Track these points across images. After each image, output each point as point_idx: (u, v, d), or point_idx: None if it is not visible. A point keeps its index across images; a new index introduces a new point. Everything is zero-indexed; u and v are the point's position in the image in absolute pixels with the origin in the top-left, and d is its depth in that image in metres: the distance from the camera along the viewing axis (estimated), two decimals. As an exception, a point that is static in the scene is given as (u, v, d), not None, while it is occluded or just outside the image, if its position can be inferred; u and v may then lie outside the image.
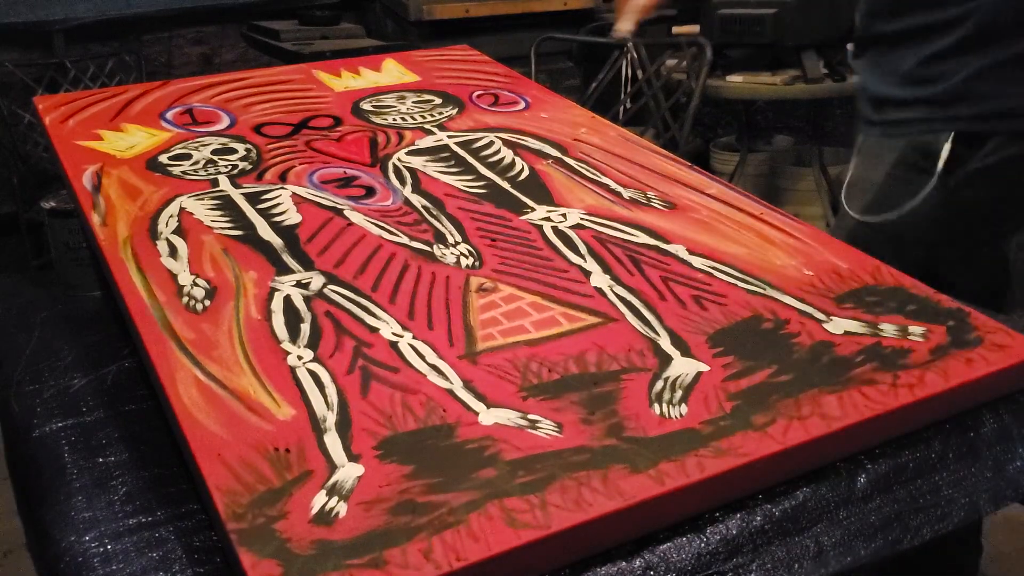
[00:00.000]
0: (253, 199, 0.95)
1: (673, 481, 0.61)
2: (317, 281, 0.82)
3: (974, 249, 1.22)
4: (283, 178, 1.00)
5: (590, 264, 0.85)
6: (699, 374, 0.71)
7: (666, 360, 0.72)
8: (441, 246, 0.88)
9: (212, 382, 0.69)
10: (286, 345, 0.74)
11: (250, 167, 1.03)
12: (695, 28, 2.87)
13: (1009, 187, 1.15)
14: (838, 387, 0.69)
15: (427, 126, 1.15)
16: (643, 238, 0.90)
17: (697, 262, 0.86)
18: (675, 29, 3.12)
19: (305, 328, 0.76)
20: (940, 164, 1.11)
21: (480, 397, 0.68)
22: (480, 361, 0.72)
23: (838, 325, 0.77)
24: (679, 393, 0.69)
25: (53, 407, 0.84)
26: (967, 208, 1.15)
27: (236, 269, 0.83)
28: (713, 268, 0.85)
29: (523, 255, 0.87)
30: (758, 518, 0.64)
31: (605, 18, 3.31)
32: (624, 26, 1.26)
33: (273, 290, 0.80)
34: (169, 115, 1.16)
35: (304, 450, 0.63)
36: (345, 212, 0.93)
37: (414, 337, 0.75)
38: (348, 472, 0.61)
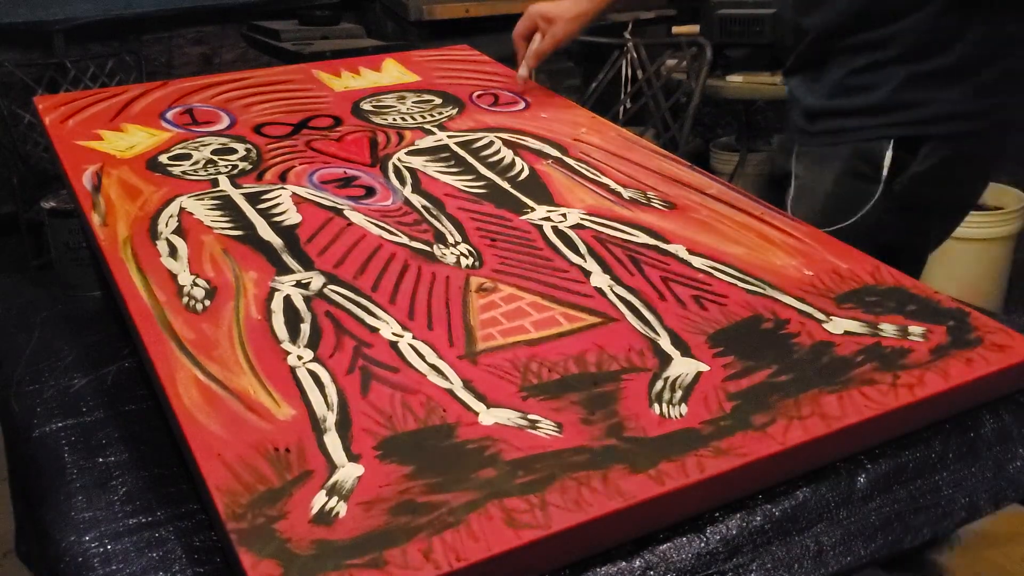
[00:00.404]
0: (253, 199, 0.95)
1: (673, 481, 0.61)
2: (317, 281, 0.82)
3: (921, 245, 1.29)
4: (283, 178, 1.00)
5: (590, 264, 0.85)
6: (699, 374, 0.71)
7: (666, 360, 0.72)
8: (441, 246, 0.88)
9: (212, 382, 0.69)
10: (286, 345, 0.74)
11: (250, 167, 1.03)
12: (695, 28, 2.87)
13: (947, 186, 1.21)
14: (838, 387, 0.69)
15: (427, 126, 1.15)
16: (643, 238, 0.90)
17: (697, 262, 0.86)
18: (675, 29, 3.12)
19: (305, 328, 0.76)
20: (884, 171, 1.18)
21: (480, 397, 0.68)
22: (480, 361, 0.72)
23: (838, 325, 0.77)
24: (679, 393, 0.68)
25: (53, 407, 0.84)
26: (913, 208, 1.21)
27: (236, 269, 0.83)
28: (713, 268, 0.85)
29: (523, 255, 0.87)
30: (758, 518, 0.64)
31: (605, 18, 3.31)
32: (522, 72, 1.31)
33: (273, 290, 0.80)
34: (169, 115, 1.16)
35: (304, 450, 0.63)
36: (345, 212, 0.93)
37: (414, 337, 0.75)
38: (348, 472, 0.61)
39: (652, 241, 0.89)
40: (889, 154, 1.18)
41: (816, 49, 1.24)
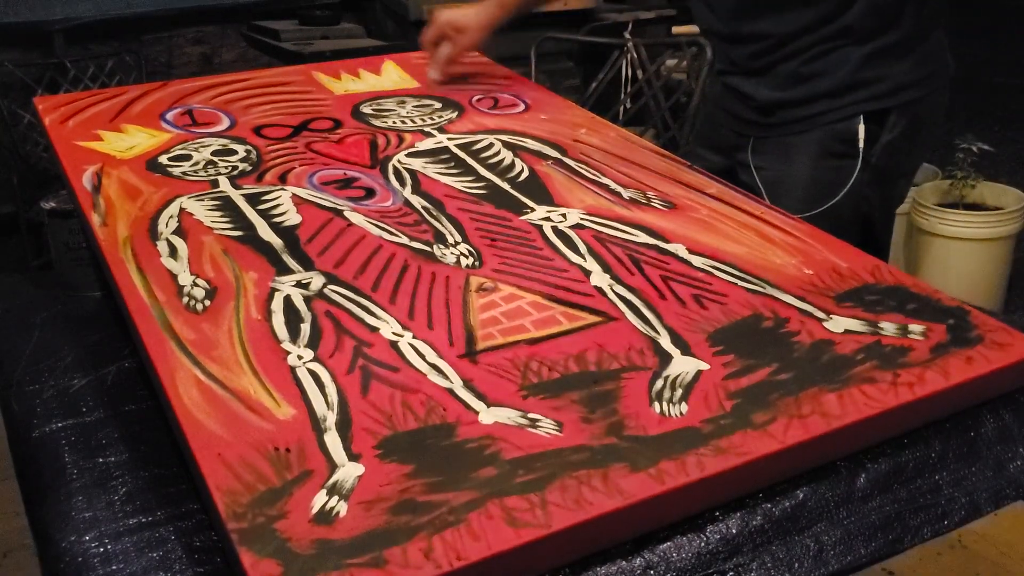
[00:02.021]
0: (253, 200, 0.95)
1: (673, 480, 0.61)
2: (317, 281, 0.82)
3: (892, 208, 1.40)
4: (283, 179, 1.00)
5: (590, 263, 0.85)
6: (699, 372, 0.71)
7: (666, 359, 0.72)
8: (441, 246, 0.88)
9: (212, 382, 0.69)
10: (286, 345, 0.74)
11: (250, 168, 1.03)
12: (695, 28, 2.87)
13: (913, 149, 1.34)
14: (838, 386, 0.69)
15: (427, 129, 1.15)
16: (643, 237, 0.90)
17: (697, 261, 0.86)
18: (675, 29, 3.13)
19: (305, 328, 0.76)
20: (861, 144, 1.27)
21: (480, 396, 0.68)
22: (480, 360, 0.72)
23: (838, 323, 0.77)
24: (679, 392, 0.68)
25: (53, 407, 0.84)
26: (887, 175, 1.32)
27: (236, 269, 0.83)
28: (713, 267, 0.85)
29: (523, 255, 0.87)
30: (758, 517, 0.64)
31: (605, 18, 3.31)
32: (433, 75, 1.38)
33: (273, 290, 0.80)
34: (169, 116, 1.16)
35: (304, 449, 0.63)
36: (345, 213, 0.93)
37: (414, 336, 0.75)
38: (348, 471, 0.61)
39: (652, 241, 0.89)
40: (862, 128, 1.27)
41: (770, 50, 1.29)
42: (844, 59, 1.25)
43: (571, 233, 0.90)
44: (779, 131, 1.32)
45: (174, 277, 0.82)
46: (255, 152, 1.07)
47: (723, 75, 1.40)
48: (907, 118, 1.28)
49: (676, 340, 0.74)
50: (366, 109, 1.21)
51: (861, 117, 1.27)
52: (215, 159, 1.04)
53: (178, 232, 0.89)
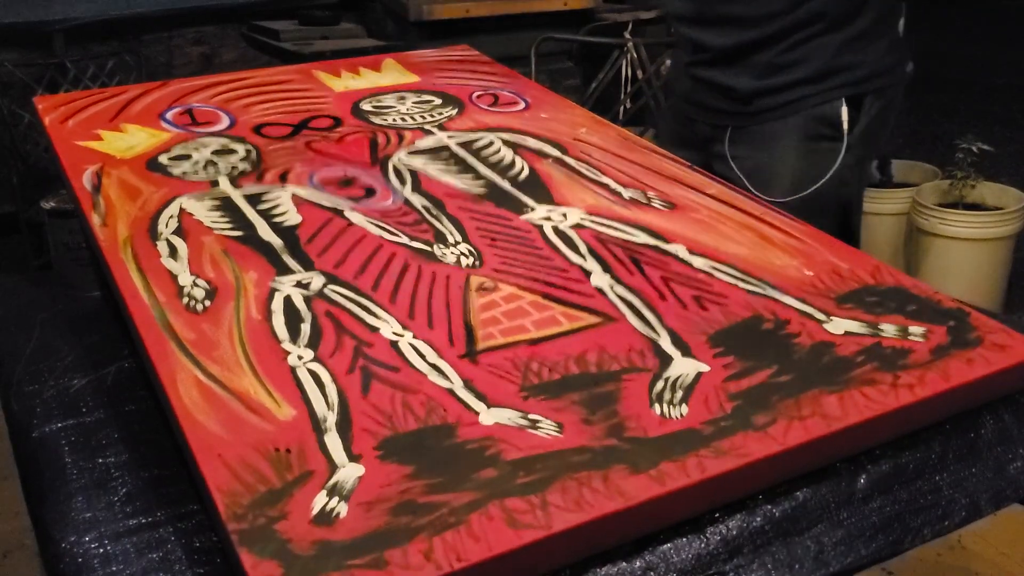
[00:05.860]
0: (253, 200, 0.95)
1: (674, 481, 0.61)
2: (317, 281, 0.82)
3: (863, 190, 1.44)
4: (283, 179, 1.00)
5: (590, 264, 0.85)
6: (700, 374, 0.71)
7: (666, 360, 0.72)
8: (441, 246, 0.88)
9: (212, 382, 0.69)
10: (286, 345, 0.74)
11: (250, 168, 1.03)
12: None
13: (884, 133, 1.39)
14: (838, 387, 0.69)
15: (427, 126, 1.15)
16: (643, 238, 0.90)
17: (697, 262, 0.86)
18: (675, 29, 3.12)
19: (305, 328, 0.76)
20: (845, 126, 1.31)
21: (480, 397, 0.68)
22: (480, 361, 0.72)
23: (838, 325, 0.77)
24: (680, 393, 0.68)
25: (53, 407, 0.84)
26: (864, 157, 1.37)
27: (236, 270, 0.83)
28: (713, 268, 0.85)
29: (523, 255, 0.87)
30: (758, 518, 0.64)
31: (605, 18, 3.30)
32: None
33: (273, 290, 0.80)
34: (169, 115, 1.16)
35: (305, 450, 0.63)
36: (345, 212, 0.93)
37: (414, 337, 0.75)
38: (349, 472, 0.61)
39: (652, 241, 0.89)
40: (844, 111, 1.31)
41: (740, 34, 1.32)
42: (819, 48, 1.28)
43: (571, 233, 0.90)
44: (759, 119, 1.34)
45: (174, 277, 0.82)
46: (255, 152, 1.06)
47: (693, 67, 1.41)
48: (879, 103, 1.32)
49: (676, 341, 0.74)
50: (366, 106, 1.21)
51: (844, 100, 1.30)
52: (215, 159, 1.04)
53: (178, 232, 0.89)
